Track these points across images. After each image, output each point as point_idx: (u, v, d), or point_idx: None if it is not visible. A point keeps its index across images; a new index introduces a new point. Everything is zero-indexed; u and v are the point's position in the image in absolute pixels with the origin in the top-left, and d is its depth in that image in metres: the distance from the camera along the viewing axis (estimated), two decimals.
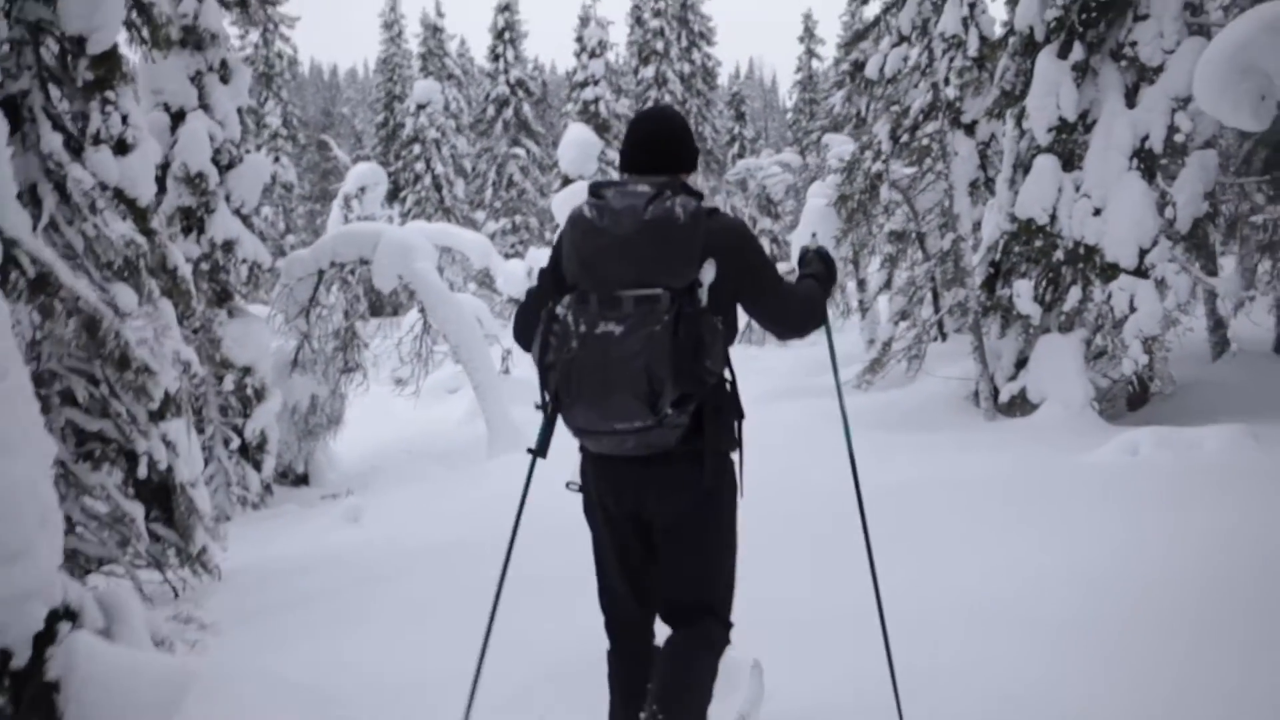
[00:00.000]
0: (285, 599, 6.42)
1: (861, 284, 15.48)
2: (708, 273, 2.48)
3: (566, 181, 18.98)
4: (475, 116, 35.97)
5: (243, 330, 10.88)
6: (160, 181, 10.58)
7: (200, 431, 10.86)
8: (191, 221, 10.51)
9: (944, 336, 13.91)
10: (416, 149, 30.94)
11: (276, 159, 29.19)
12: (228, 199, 10.83)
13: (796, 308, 2.71)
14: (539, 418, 2.67)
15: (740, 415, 2.67)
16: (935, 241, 13.31)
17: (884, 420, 10.60)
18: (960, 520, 5.62)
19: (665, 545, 2.64)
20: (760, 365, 15.91)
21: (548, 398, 2.54)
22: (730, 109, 39.91)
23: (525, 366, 15.12)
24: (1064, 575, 4.33)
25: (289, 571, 7.37)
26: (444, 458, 12.60)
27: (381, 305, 17.57)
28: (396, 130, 31.28)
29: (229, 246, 10.65)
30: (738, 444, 2.68)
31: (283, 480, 12.46)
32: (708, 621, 2.66)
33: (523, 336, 2.69)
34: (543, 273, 2.69)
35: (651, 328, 2.36)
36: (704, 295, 2.49)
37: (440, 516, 8.80)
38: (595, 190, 2.60)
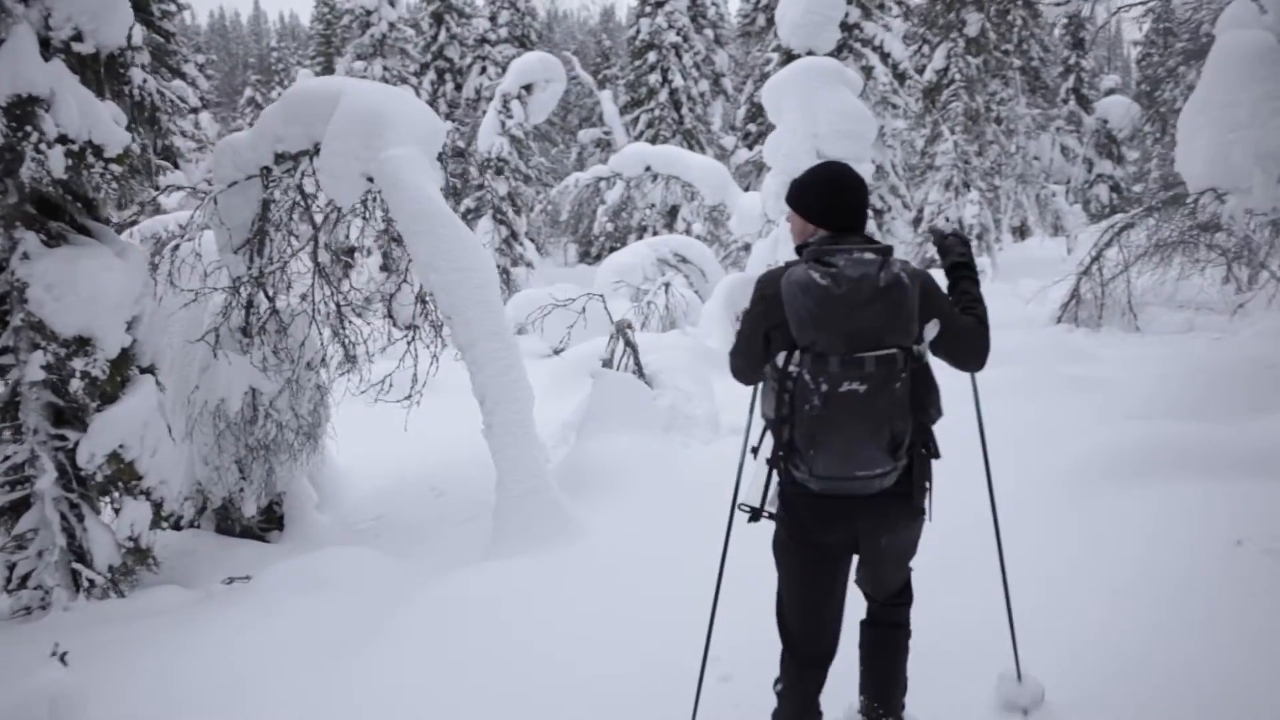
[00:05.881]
0: None
1: None
2: (931, 330, 2.73)
3: (789, 57, 12.57)
4: (743, 28, 29.98)
5: (68, 271, 5.87)
6: None
7: None
8: None
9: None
10: (652, 57, 25.22)
11: (484, 70, 24.58)
12: (46, 20, 5.79)
13: (986, 338, 2.89)
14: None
15: (938, 454, 2.88)
16: None
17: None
18: None
19: (879, 558, 2.95)
20: None
21: (769, 449, 2.79)
22: (1066, 32, 31.64)
23: (653, 353, 9.08)
24: None
25: None
26: (483, 505, 7.08)
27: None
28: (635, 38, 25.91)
29: (24, 111, 5.59)
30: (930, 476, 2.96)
31: (246, 529, 7.44)
32: (906, 610, 3.11)
33: (748, 377, 2.98)
34: (748, 329, 2.87)
35: (893, 385, 2.62)
36: (926, 351, 2.77)
37: None
38: (819, 258, 2.68)
